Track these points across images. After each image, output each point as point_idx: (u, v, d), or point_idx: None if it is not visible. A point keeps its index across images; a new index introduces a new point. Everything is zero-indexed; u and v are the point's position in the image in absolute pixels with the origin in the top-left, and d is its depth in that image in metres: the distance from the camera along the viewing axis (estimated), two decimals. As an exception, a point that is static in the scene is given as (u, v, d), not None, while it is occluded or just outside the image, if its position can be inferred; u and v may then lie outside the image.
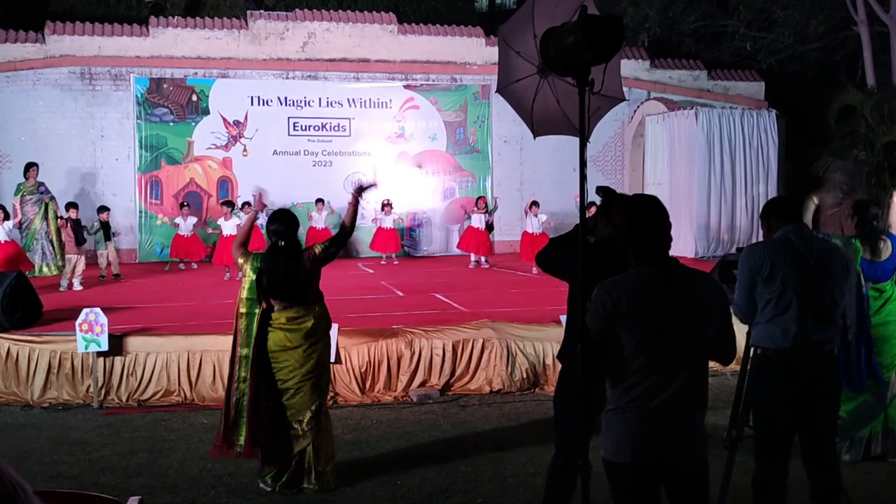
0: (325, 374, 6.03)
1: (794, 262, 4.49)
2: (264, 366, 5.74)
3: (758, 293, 4.56)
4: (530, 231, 16.38)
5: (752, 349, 4.77)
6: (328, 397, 8.21)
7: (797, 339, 4.47)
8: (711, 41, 21.67)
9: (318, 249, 5.85)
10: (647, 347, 3.32)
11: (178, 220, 16.55)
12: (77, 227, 13.81)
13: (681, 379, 3.33)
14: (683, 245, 17.03)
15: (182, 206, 16.86)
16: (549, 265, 4.81)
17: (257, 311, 5.76)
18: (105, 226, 14.77)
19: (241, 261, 5.98)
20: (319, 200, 17.36)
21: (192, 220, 16.64)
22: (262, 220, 8.96)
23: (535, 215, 16.33)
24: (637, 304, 3.33)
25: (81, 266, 13.54)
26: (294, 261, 5.75)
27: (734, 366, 5.37)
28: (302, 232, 17.67)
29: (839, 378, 4.84)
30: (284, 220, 5.86)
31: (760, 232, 16.53)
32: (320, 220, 17.24)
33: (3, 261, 12.06)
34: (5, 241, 12.67)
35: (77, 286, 13.28)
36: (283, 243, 5.76)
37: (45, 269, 13.61)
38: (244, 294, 5.88)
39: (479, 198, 17.61)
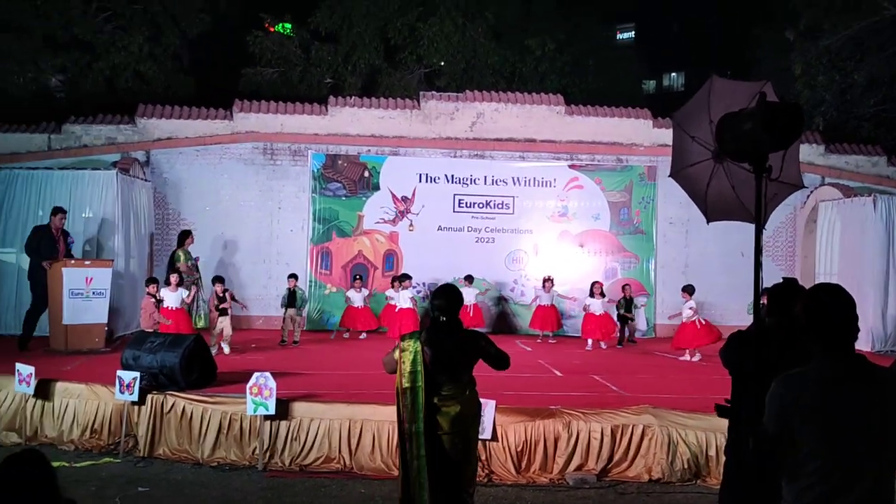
0: (472, 457, 5.95)
1: None
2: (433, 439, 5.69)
3: None
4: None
5: None
6: (482, 475, 8.20)
7: None
8: (892, 126, 20.73)
9: (492, 350, 5.90)
10: (828, 448, 3.11)
11: (351, 292, 17.16)
12: (221, 299, 14.16)
13: (863, 483, 3.10)
14: (858, 338, 16.10)
15: (355, 279, 17.48)
16: (726, 359, 4.75)
17: (421, 384, 5.68)
18: (291, 293, 15.48)
19: (402, 343, 5.90)
20: (468, 277, 17.67)
21: (365, 292, 17.33)
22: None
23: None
24: (818, 401, 3.14)
25: (228, 331, 13.96)
26: (454, 336, 5.80)
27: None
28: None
29: None
30: (448, 296, 5.89)
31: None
32: (471, 296, 17.24)
33: (170, 327, 12.61)
34: (176, 308, 13.30)
35: (226, 350, 13.72)
36: (444, 318, 5.81)
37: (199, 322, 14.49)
38: (407, 368, 5.74)
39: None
